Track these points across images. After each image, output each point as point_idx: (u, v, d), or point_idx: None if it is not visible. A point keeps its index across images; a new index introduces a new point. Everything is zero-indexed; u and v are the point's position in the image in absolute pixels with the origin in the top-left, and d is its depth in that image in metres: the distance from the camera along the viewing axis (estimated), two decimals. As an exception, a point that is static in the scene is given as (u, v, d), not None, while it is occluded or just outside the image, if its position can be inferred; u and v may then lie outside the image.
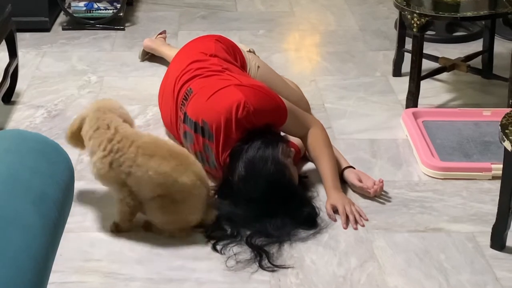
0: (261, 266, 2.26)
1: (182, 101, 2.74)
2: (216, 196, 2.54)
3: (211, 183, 2.65)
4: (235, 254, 2.32)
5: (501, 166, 2.32)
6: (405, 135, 3.03)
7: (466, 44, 3.96)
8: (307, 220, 2.46)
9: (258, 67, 3.07)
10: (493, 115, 3.08)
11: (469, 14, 3.11)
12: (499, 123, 2.28)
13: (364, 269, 2.26)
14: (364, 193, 2.63)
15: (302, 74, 3.65)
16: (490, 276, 2.23)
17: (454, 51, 3.78)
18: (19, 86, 3.43)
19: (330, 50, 3.94)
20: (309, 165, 2.79)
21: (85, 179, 2.72)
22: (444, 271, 2.25)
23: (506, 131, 2.23)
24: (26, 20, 4.03)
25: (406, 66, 3.40)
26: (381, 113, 3.25)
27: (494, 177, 2.70)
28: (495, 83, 3.45)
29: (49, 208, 1.36)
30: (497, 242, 2.35)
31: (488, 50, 3.57)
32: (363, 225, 2.47)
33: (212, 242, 2.37)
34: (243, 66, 3.01)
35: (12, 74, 3.31)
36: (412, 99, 3.22)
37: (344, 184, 2.67)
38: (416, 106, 3.22)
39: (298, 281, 2.21)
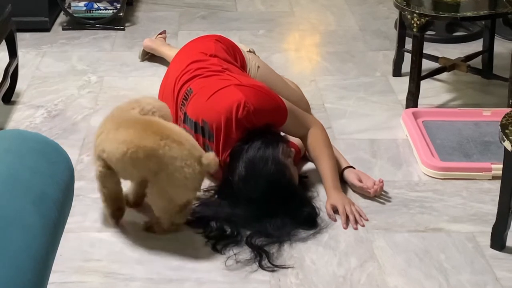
0: (261, 266, 2.26)
1: (182, 101, 2.74)
2: (216, 196, 2.54)
3: (211, 183, 2.66)
4: (235, 254, 2.32)
5: (501, 166, 2.32)
6: (405, 135, 3.03)
7: (466, 44, 3.96)
8: (307, 220, 2.46)
9: (258, 67, 3.07)
10: (493, 115, 3.09)
11: (469, 14, 3.11)
12: (499, 123, 2.28)
13: (364, 269, 2.26)
14: (364, 193, 2.63)
15: (302, 74, 3.65)
16: (490, 276, 2.23)
17: (454, 51, 3.78)
18: (19, 86, 3.43)
19: (330, 50, 3.94)
20: (309, 165, 2.79)
21: (85, 179, 2.72)
22: (444, 271, 2.25)
23: (506, 131, 2.23)
24: (26, 20, 4.03)
25: (406, 66, 3.40)
26: (381, 113, 3.25)
27: (494, 177, 2.70)
28: (495, 83, 3.45)
29: (49, 208, 1.36)
30: (497, 242, 2.35)
31: (488, 50, 3.57)
32: (363, 225, 2.47)
33: (212, 242, 2.37)
34: (243, 66, 3.01)
35: (12, 74, 3.31)
36: (412, 99, 3.22)
37: (344, 184, 2.67)
38: (416, 106, 3.22)
39: (298, 281, 2.21)
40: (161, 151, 2.26)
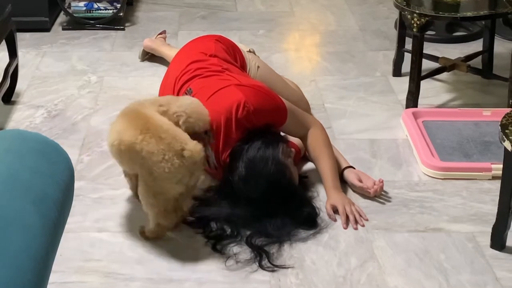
0: (261, 266, 2.26)
1: (182, 101, 2.74)
2: (216, 196, 2.54)
3: (211, 183, 2.65)
4: (235, 254, 2.32)
5: (501, 166, 2.32)
6: (405, 135, 3.03)
7: (466, 44, 3.96)
8: (307, 220, 2.46)
9: (258, 67, 3.07)
10: (493, 115, 3.09)
11: (469, 14, 3.11)
12: (499, 123, 2.28)
13: (364, 269, 2.26)
14: (364, 193, 2.63)
15: (302, 74, 3.65)
16: (490, 276, 2.23)
17: (454, 51, 3.78)
18: (19, 86, 3.43)
19: (330, 50, 3.94)
20: (309, 165, 2.79)
21: (85, 179, 2.72)
22: (444, 271, 2.25)
23: (506, 131, 2.23)
24: (26, 20, 4.03)
25: (406, 66, 3.40)
26: (381, 113, 3.25)
27: (494, 177, 2.70)
28: (495, 83, 3.45)
29: (49, 208, 1.36)
30: (497, 242, 2.35)
31: (488, 50, 3.57)
32: (363, 225, 2.47)
33: (212, 242, 2.37)
34: (243, 66, 3.01)
35: (12, 74, 3.31)
36: (412, 99, 3.22)
37: (344, 184, 2.67)
38: (416, 106, 3.22)
39: (298, 281, 2.21)
40: (138, 146, 2.26)
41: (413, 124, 3.02)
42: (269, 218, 2.41)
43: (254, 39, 4.07)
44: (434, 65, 3.45)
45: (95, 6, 4.20)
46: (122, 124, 2.34)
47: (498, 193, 2.32)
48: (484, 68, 3.59)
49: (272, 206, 2.42)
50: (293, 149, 2.61)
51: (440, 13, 3.10)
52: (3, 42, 3.26)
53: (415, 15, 3.09)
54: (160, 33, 3.82)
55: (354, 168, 2.70)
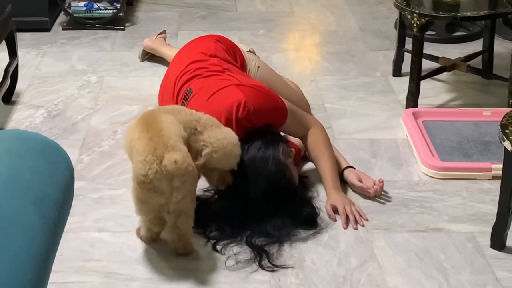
0: (261, 266, 2.26)
1: (182, 101, 2.74)
2: (216, 196, 2.54)
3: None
4: (235, 254, 2.32)
5: (501, 166, 2.32)
6: (405, 135, 3.03)
7: (466, 44, 3.96)
8: (307, 220, 2.46)
9: (258, 67, 3.07)
10: (493, 115, 3.08)
11: (469, 14, 3.11)
12: (499, 123, 2.28)
13: (364, 269, 2.26)
14: (364, 193, 2.63)
15: (302, 74, 3.65)
16: (490, 276, 2.23)
17: (454, 51, 3.78)
18: (19, 86, 3.43)
19: (330, 50, 3.94)
20: (309, 165, 2.79)
21: (85, 179, 2.72)
22: (444, 271, 2.25)
23: (506, 131, 2.23)
24: (26, 20, 4.03)
25: (406, 66, 3.40)
26: (381, 113, 3.25)
27: (494, 177, 2.70)
28: (495, 83, 3.45)
29: (49, 208, 1.36)
30: (497, 242, 2.34)
31: (488, 50, 3.57)
32: (363, 225, 2.47)
33: (212, 242, 2.37)
34: (243, 66, 3.02)
35: (12, 74, 3.31)
36: (412, 99, 3.22)
37: (344, 184, 2.67)
38: (416, 106, 3.22)
39: (298, 281, 2.21)
40: (132, 143, 2.24)
41: (413, 124, 3.02)
42: (269, 218, 2.41)
43: (254, 39, 4.07)
44: (434, 65, 3.45)
45: (95, 6, 4.20)
46: (138, 121, 2.32)
47: (498, 193, 2.32)
48: (484, 68, 3.59)
49: (272, 206, 2.42)
50: (293, 149, 2.61)
51: (440, 13, 3.10)
52: (3, 42, 3.26)
53: (415, 15, 3.09)
54: (160, 33, 3.82)
55: (354, 168, 2.70)
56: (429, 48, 3.71)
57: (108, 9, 4.20)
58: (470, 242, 2.39)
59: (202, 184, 2.53)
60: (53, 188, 1.41)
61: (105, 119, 3.17)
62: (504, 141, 2.22)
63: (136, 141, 2.22)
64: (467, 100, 3.38)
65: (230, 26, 4.25)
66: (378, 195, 2.62)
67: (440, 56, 3.50)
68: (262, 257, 2.29)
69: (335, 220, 2.50)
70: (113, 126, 3.11)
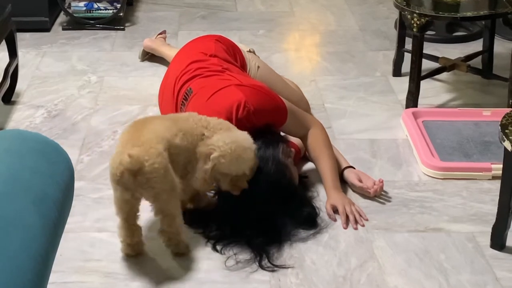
0: (261, 266, 2.26)
1: (182, 101, 2.74)
2: (216, 196, 2.54)
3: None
4: (235, 254, 2.32)
5: (501, 166, 2.32)
6: (405, 135, 3.03)
7: (466, 44, 3.96)
8: (307, 220, 2.46)
9: (258, 67, 3.07)
10: (493, 115, 3.09)
11: (469, 14, 3.11)
12: (499, 123, 2.28)
13: (364, 269, 2.26)
14: (364, 193, 2.63)
15: (302, 74, 3.65)
16: (490, 276, 2.23)
17: (454, 51, 3.78)
18: (19, 86, 3.43)
19: (330, 50, 3.94)
20: (309, 165, 2.79)
21: (85, 179, 2.72)
22: (444, 271, 2.25)
23: (506, 131, 2.23)
24: (26, 20, 4.04)
25: (406, 66, 3.40)
26: (381, 113, 3.25)
27: (494, 177, 2.70)
28: (495, 83, 3.45)
29: (49, 208, 1.36)
30: (497, 242, 2.35)
31: (488, 50, 3.57)
32: (363, 225, 2.47)
33: (212, 242, 2.37)
34: (243, 66, 3.01)
35: (12, 74, 3.31)
36: (412, 99, 3.22)
37: (344, 184, 2.67)
38: (416, 106, 3.22)
39: (298, 281, 2.21)
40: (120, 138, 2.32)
41: (413, 124, 3.02)
42: (269, 218, 2.41)
43: (254, 39, 4.07)
44: (434, 65, 3.45)
45: (95, 6, 4.20)
46: (135, 121, 2.40)
47: (498, 193, 2.32)
48: (484, 68, 3.59)
49: (272, 206, 2.42)
50: (293, 149, 2.61)
51: (440, 13, 3.10)
52: (3, 42, 3.26)
53: (415, 15, 3.09)
54: (160, 33, 3.82)
55: (354, 168, 2.70)
56: (429, 48, 3.71)
57: (108, 9, 4.20)
58: (470, 242, 2.39)
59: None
60: (53, 188, 1.41)
61: (105, 119, 3.17)
62: (504, 141, 2.22)
63: (121, 135, 2.30)
64: (467, 100, 3.38)
65: (230, 26, 4.25)
66: (378, 195, 2.62)
67: (440, 56, 3.50)
68: (262, 257, 2.29)
69: (335, 220, 2.50)
70: (113, 126, 3.11)
